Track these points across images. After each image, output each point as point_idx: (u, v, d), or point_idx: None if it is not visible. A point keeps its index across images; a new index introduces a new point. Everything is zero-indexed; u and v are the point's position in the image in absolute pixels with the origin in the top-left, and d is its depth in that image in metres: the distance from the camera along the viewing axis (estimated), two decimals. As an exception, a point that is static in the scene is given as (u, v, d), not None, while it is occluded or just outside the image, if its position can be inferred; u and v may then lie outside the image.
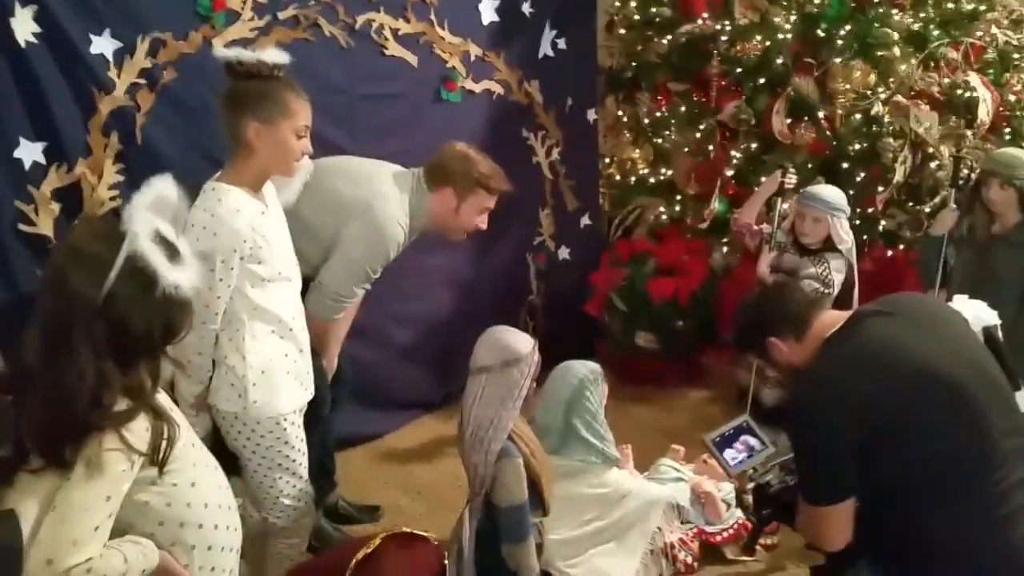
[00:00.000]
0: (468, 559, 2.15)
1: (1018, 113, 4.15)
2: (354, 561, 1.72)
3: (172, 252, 1.39)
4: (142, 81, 2.58)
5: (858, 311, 1.97)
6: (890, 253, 4.05)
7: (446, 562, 1.79)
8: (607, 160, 4.47)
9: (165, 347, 1.44)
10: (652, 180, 4.34)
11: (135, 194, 1.44)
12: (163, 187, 1.47)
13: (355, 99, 3.12)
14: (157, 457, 1.37)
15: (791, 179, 3.29)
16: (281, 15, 2.87)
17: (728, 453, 2.48)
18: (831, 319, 1.97)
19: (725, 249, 4.15)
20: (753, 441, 2.53)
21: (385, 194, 2.43)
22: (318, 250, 2.41)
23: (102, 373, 1.31)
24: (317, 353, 2.37)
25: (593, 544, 2.53)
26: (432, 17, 3.29)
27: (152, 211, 1.41)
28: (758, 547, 2.70)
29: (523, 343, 2.13)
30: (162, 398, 1.47)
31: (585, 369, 2.59)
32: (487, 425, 2.06)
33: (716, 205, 4.07)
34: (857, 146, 3.85)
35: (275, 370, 2.01)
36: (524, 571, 2.14)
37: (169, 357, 1.48)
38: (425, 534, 1.83)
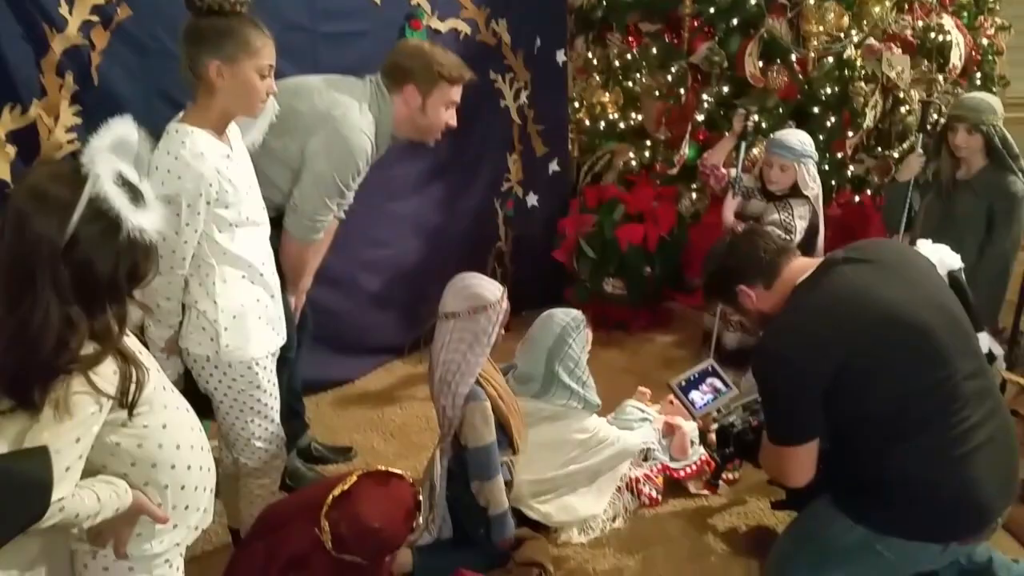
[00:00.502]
0: (440, 495, 2.20)
1: (990, 57, 4.17)
2: (330, 497, 1.74)
3: (135, 195, 1.37)
4: (95, 19, 2.48)
5: (828, 258, 1.99)
6: (857, 199, 4.09)
7: (420, 498, 1.82)
8: (576, 104, 4.42)
9: (131, 291, 1.43)
10: (622, 125, 4.31)
11: (93, 136, 1.41)
12: (123, 129, 1.45)
13: (316, 37, 3.03)
14: (126, 400, 1.37)
15: (753, 118, 3.27)
16: (240, -50, 2.76)
17: (693, 395, 2.53)
18: (801, 266, 1.99)
19: (694, 195, 4.16)
20: (718, 383, 2.57)
21: (344, 104, 2.36)
22: (287, 174, 2.37)
23: (67, 317, 1.29)
24: (286, 288, 2.35)
25: (566, 485, 2.58)
26: (396, -47, 3.20)
27: (112, 153, 1.38)
28: (720, 481, 2.77)
29: (491, 290, 2.14)
30: (130, 342, 1.46)
31: (567, 317, 2.60)
32: (454, 369, 2.10)
33: (686, 151, 4.06)
34: (828, 90, 3.85)
35: (247, 315, 1.99)
36: (493, 506, 2.20)
37: (136, 301, 1.47)
38: (400, 472, 1.85)
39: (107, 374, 1.34)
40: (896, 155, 3.96)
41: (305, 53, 2.97)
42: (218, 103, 1.90)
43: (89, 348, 1.33)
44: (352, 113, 2.35)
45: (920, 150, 3.29)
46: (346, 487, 1.73)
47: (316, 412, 3.21)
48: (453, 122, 2.52)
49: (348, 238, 3.24)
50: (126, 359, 1.37)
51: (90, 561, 1.48)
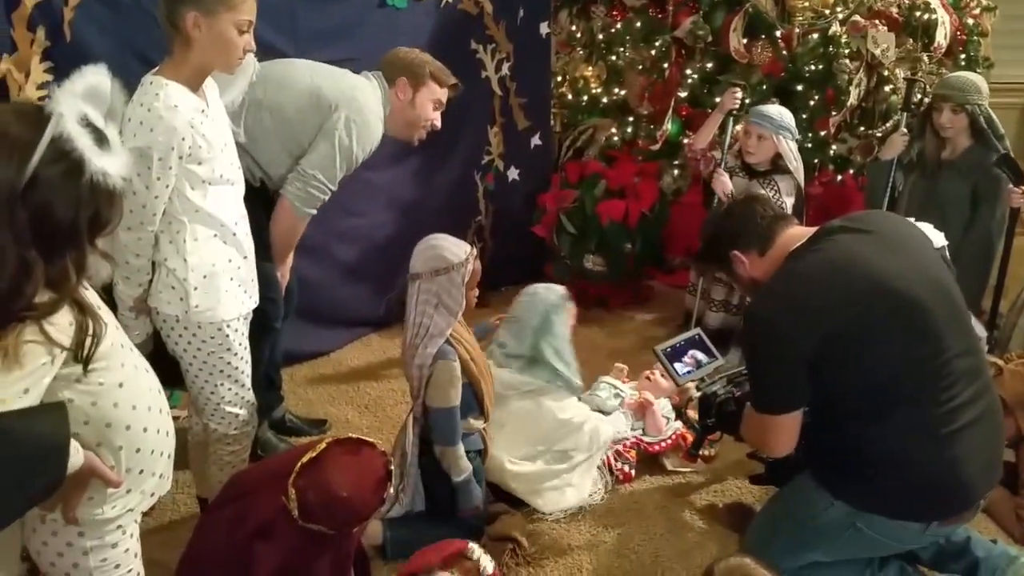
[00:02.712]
0: (412, 463, 2.17)
1: (975, 38, 4.16)
2: (299, 464, 1.69)
3: (100, 138, 1.31)
4: (69, -29, 2.40)
5: (825, 226, 1.95)
6: (840, 178, 4.08)
7: (392, 468, 1.77)
8: (559, 78, 4.36)
9: (93, 239, 1.36)
10: (605, 100, 4.26)
11: (65, 81, 1.35)
12: (96, 77, 1.38)
13: (295, 1, 2.95)
14: (81, 354, 1.30)
15: (738, 94, 3.23)
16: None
17: (677, 364, 2.49)
18: (797, 234, 1.96)
19: (676, 172, 4.13)
20: (699, 355, 2.54)
21: (364, 88, 2.48)
22: (293, 147, 2.41)
23: (24, 261, 1.23)
24: (272, 261, 2.37)
25: (545, 468, 2.52)
26: (380, -86, 3.13)
27: (83, 99, 1.32)
28: (698, 457, 2.74)
29: (454, 252, 2.13)
30: (90, 295, 1.40)
31: (552, 295, 2.56)
32: (423, 332, 2.10)
33: (669, 127, 4.02)
34: (813, 67, 3.82)
35: (218, 274, 1.95)
36: (455, 472, 2.17)
37: (100, 251, 1.39)
38: (371, 440, 1.80)
39: (63, 324, 1.27)
40: (879, 134, 3.94)
41: (283, 15, 2.90)
42: (194, 56, 1.86)
43: (45, 296, 1.26)
44: (371, 98, 2.48)
45: (904, 129, 3.26)
46: (315, 454, 1.68)
47: (291, 384, 3.15)
48: (438, 123, 2.66)
49: (324, 208, 3.17)
50: (83, 310, 1.31)
51: (38, 525, 1.42)
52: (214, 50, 1.87)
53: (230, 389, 2.05)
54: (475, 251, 2.20)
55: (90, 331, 1.31)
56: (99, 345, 1.32)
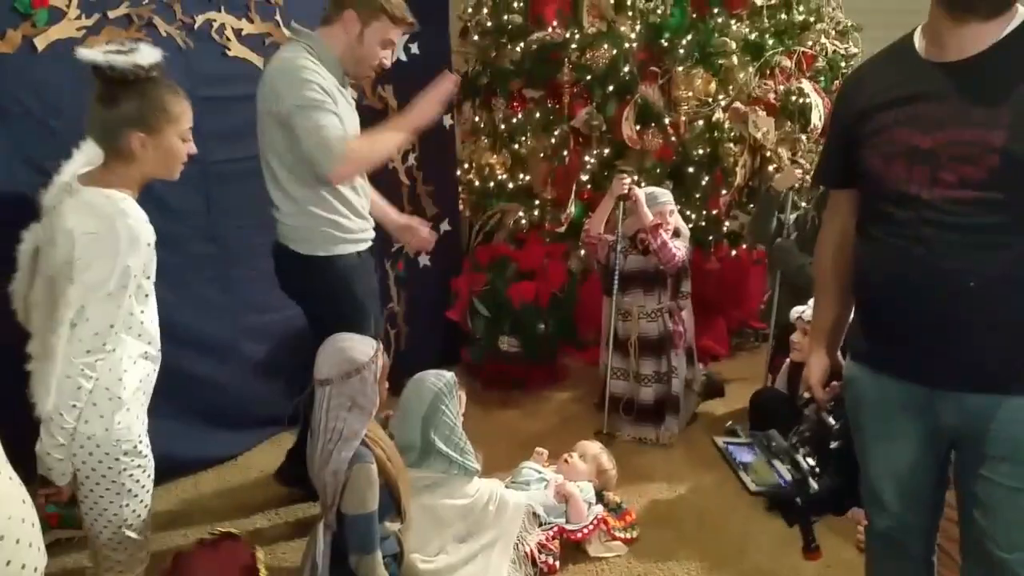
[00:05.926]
0: (323, 574, 2.08)
1: (846, 119, 4.49)
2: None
3: None
4: (-48, 83, 2.36)
5: None
6: (734, 252, 4.28)
7: (259, 555, 1.70)
8: (466, 166, 4.47)
9: None
10: (511, 185, 4.38)
11: None
12: None
13: (196, 102, 2.87)
14: None
15: (626, 180, 3.38)
16: (112, 13, 2.70)
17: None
18: None
19: (582, 252, 4.25)
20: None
21: (277, 64, 2.42)
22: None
23: None
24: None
25: (459, 561, 2.49)
26: (278, 17, 3.19)
27: None
28: (618, 542, 2.74)
29: (361, 351, 2.10)
30: None
31: (440, 382, 2.52)
32: (336, 437, 2.04)
33: (572, 209, 4.16)
34: (700, 151, 4.04)
35: (140, 390, 1.90)
36: None
37: None
38: (231, 531, 1.75)
39: None
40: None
41: (183, 118, 2.89)
42: (137, 169, 1.85)
43: None
44: (285, 54, 2.41)
45: (802, 161, 3.45)
46: (167, 565, 1.61)
47: (194, 494, 3.02)
48: (388, 62, 2.55)
49: (231, 303, 3.11)
50: None
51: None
52: (160, 163, 1.87)
53: (134, 511, 1.94)
54: (380, 345, 2.20)
55: None
56: None
